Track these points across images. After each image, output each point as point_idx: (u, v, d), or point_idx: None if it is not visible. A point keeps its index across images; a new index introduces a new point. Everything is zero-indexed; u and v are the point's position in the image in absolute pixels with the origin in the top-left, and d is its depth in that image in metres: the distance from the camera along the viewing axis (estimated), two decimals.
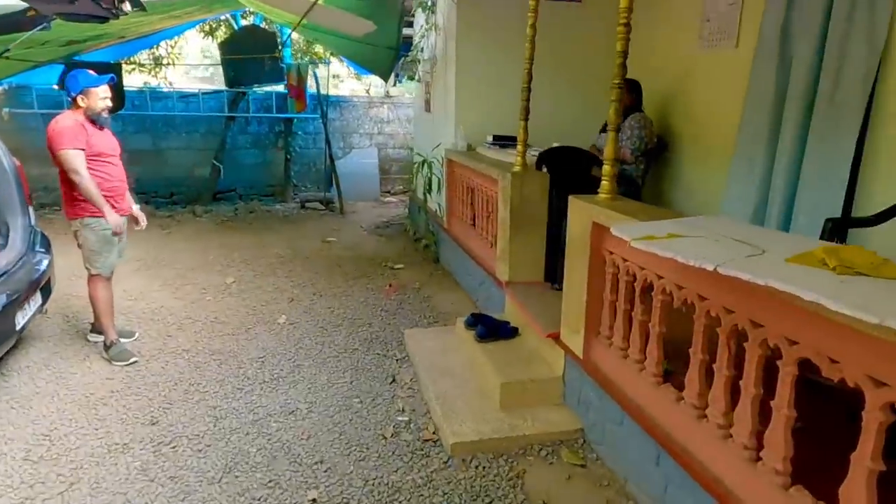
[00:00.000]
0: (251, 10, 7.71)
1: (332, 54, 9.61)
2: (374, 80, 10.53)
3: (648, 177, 4.62)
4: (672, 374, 2.28)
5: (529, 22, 3.57)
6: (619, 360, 2.53)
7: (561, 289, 3.68)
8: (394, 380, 3.48)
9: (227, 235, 6.95)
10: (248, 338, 4.07)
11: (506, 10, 5.11)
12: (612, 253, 2.56)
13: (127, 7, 2.96)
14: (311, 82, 8.39)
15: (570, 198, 2.80)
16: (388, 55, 6.31)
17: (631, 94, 4.43)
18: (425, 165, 5.87)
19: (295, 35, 8.35)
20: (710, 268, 1.54)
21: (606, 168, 2.65)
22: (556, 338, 3.01)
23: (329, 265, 5.80)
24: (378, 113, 9.80)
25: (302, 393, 3.33)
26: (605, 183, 2.65)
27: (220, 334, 4.12)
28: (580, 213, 2.70)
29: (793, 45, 3.43)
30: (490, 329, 3.43)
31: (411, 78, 6.61)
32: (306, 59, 9.44)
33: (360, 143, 9.79)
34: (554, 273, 3.73)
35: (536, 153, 4.21)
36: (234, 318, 4.42)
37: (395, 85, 9.82)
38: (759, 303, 1.70)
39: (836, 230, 2.69)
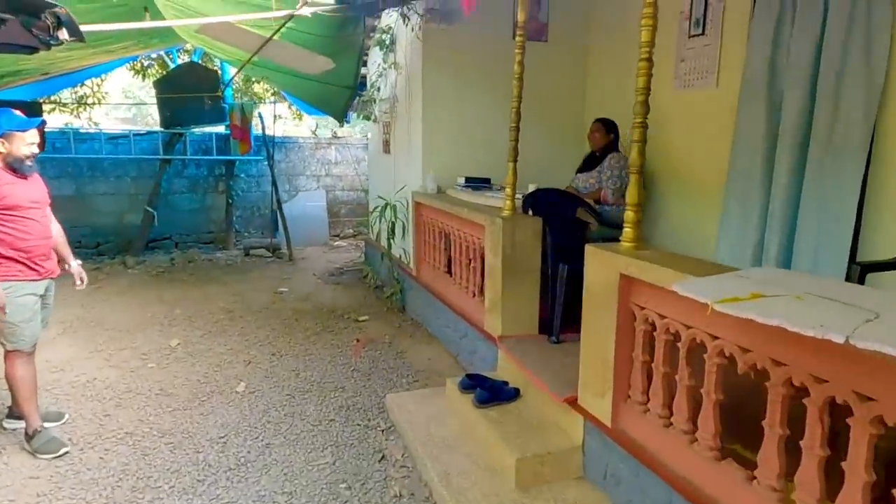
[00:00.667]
0: (192, 46, 7.25)
1: (274, 93, 9.21)
2: (322, 121, 10.20)
3: None
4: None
5: (517, 59, 3.36)
6: (660, 429, 2.24)
7: (559, 342, 3.41)
8: (383, 456, 3.04)
9: (165, 288, 6.29)
10: (203, 412, 3.52)
11: (472, 48, 4.94)
12: (643, 308, 2.29)
13: (64, 35, 2.51)
14: (255, 123, 7.93)
15: (590, 248, 2.53)
16: (344, 94, 6.00)
17: (609, 133, 4.32)
18: (388, 209, 5.52)
19: (234, 72, 7.92)
20: (839, 340, 1.28)
21: (629, 214, 2.41)
22: (573, 402, 2.69)
23: (286, 320, 5.29)
24: (325, 154, 9.42)
25: (277, 481, 2.83)
26: (628, 230, 2.41)
27: (170, 409, 3.54)
28: (603, 263, 2.43)
29: (782, 84, 3.38)
30: (490, 392, 3.08)
31: (367, 118, 6.31)
32: (246, 98, 8.99)
33: (307, 185, 9.34)
34: (550, 325, 3.44)
35: (520, 196, 3.97)
36: (185, 388, 3.84)
37: (342, 125, 9.49)
38: (869, 372, 1.46)
39: (864, 274, 2.55)
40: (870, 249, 3.03)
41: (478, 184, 4.75)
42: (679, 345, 2.12)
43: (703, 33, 3.99)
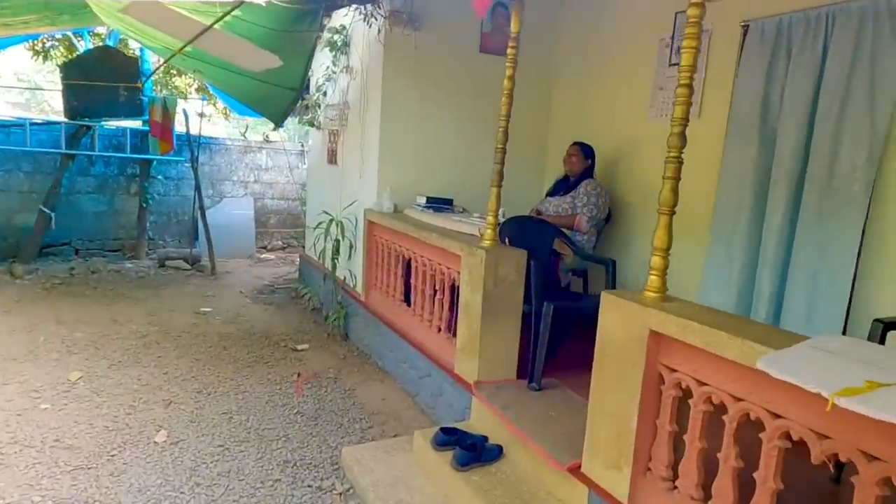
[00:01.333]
0: (107, 28, 6.40)
1: (199, 88, 8.41)
2: (254, 123, 9.49)
3: (596, 250, 4.24)
4: None
5: (507, 73, 3.02)
6: None
7: (539, 388, 3.08)
8: None
9: (62, 305, 5.40)
10: (113, 471, 2.87)
11: (437, 58, 4.57)
12: (674, 370, 1.99)
13: None
14: (178, 120, 7.14)
15: (608, 296, 2.21)
16: (287, 97, 5.44)
17: (587, 159, 4.08)
18: (334, 225, 5.01)
19: (155, 62, 7.11)
20: None
21: (658, 260, 2.11)
22: (575, 470, 2.34)
23: (212, 347, 4.63)
24: (255, 159, 8.69)
25: None
26: (654, 278, 2.10)
27: (69, 468, 2.87)
28: (627, 316, 2.11)
29: (775, 121, 3.25)
30: (471, 452, 2.67)
31: (310, 124, 5.77)
32: (167, 92, 8.13)
33: (234, 191, 8.57)
34: (531, 370, 3.10)
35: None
36: (88, 437, 3.16)
37: (275, 129, 8.81)
38: None
39: (885, 333, 2.39)
40: (866, 301, 2.92)
41: (439, 205, 4.37)
42: (725, 419, 1.82)
43: None
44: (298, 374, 4.19)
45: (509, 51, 2.99)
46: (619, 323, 2.14)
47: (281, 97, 5.38)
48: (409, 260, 4.02)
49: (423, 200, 4.37)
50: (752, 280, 3.31)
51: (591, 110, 4.68)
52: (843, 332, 2.90)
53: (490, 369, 3.10)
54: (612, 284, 3.38)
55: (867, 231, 2.89)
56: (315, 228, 5.11)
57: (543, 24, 4.95)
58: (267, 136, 8.84)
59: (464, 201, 4.53)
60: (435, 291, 3.66)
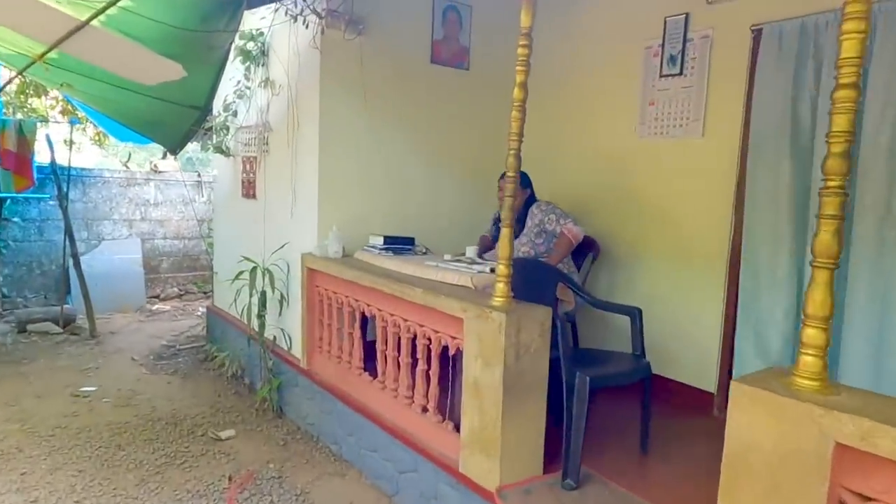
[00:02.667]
0: None
1: (64, 110, 6.99)
2: (138, 150, 8.15)
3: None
4: None
5: (518, 79, 2.33)
6: None
7: (577, 485, 2.36)
8: None
9: None
10: None
11: (385, 69, 3.80)
12: (872, 501, 1.35)
13: None
14: (39, 149, 5.76)
15: (739, 386, 1.54)
16: (188, 117, 4.39)
17: (525, 188, 3.47)
18: (259, 274, 4.03)
19: (11, 76, 5.71)
20: None
21: (814, 334, 1.48)
22: None
23: (102, 449, 3.47)
24: (141, 192, 7.35)
25: None
26: (812, 359, 1.47)
27: None
28: (781, 417, 1.45)
29: (808, 135, 2.82)
30: None
31: (219, 150, 4.74)
32: (21, 115, 6.66)
33: (115, 232, 7.16)
34: (564, 462, 2.38)
35: (483, 266, 2.90)
36: None
37: (164, 157, 7.54)
38: None
39: None
40: None
41: (399, 245, 3.57)
42: None
43: (680, 73, 3.36)
44: (230, 478, 3.18)
45: (521, 51, 2.30)
46: (767, 428, 1.48)
47: (180, 118, 4.33)
48: (369, 317, 3.18)
49: (378, 241, 3.55)
50: (797, 324, 2.82)
51: (568, 128, 4.11)
52: None
53: (514, 468, 2.34)
54: (640, 339, 2.75)
55: None
56: (234, 280, 4.09)
57: (500, 30, 4.35)
58: (155, 166, 7.52)
59: (423, 240, 3.77)
60: (415, 361, 2.85)
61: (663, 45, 3.45)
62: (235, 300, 4.10)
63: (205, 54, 3.55)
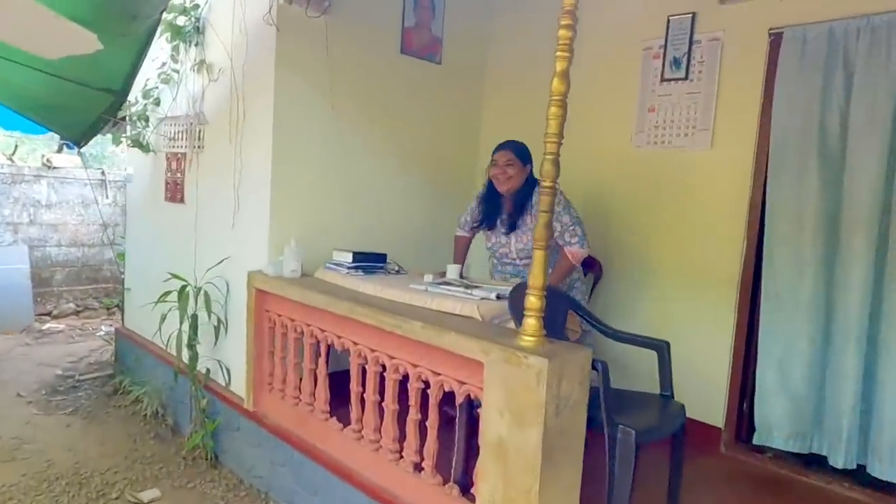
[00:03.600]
0: None
1: None
2: (30, 140, 7.02)
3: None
4: None
5: (559, 67, 1.87)
6: None
7: None
8: None
9: None
10: None
11: (351, 57, 3.27)
12: None
13: None
14: None
15: None
16: (99, 103, 3.65)
17: (526, 165, 2.97)
18: (192, 295, 3.34)
19: None
20: None
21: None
22: None
23: None
24: (30, 192, 6.24)
25: None
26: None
27: None
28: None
29: (838, 148, 2.59)
30: None
31: (137, 144, 3.96)
32: None
33: None
34: None
35: (486, 292, 2.43)
36: None
37: (60, 151, 6.48)
38: None
39: None
40: None
41: (370, 263, 3.03)
42: None
43: (686, 77, 3.08)
44: None
45: (563, 33, 1.85)
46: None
47: (89, 103, 3.57)
48: (338, 350, 2.62)
49: (346, 258, 2.99)
50: (826, 358, 2.59)
51: (524, 122, 3.72)
52: None
53: None
54: (669, 376, 2.39)
55: None
56: (158, 301, 3.37)
57: (475, 20, 3.92)
58: (49, 160, 6.43)
59: (393, 255, 3.25)
60: (406, 408, 2.33)
61: (665, 47, 3.15)
62: (160, 326, 3.37)
63: (126, 24, 2.89)
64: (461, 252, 3.29)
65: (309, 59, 3.10)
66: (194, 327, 3.37)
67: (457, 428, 2.22)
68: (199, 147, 3.63)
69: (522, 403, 1.85)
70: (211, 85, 3.47)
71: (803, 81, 2.65)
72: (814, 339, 2.60)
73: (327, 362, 2.81)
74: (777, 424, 2.70)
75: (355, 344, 2.55)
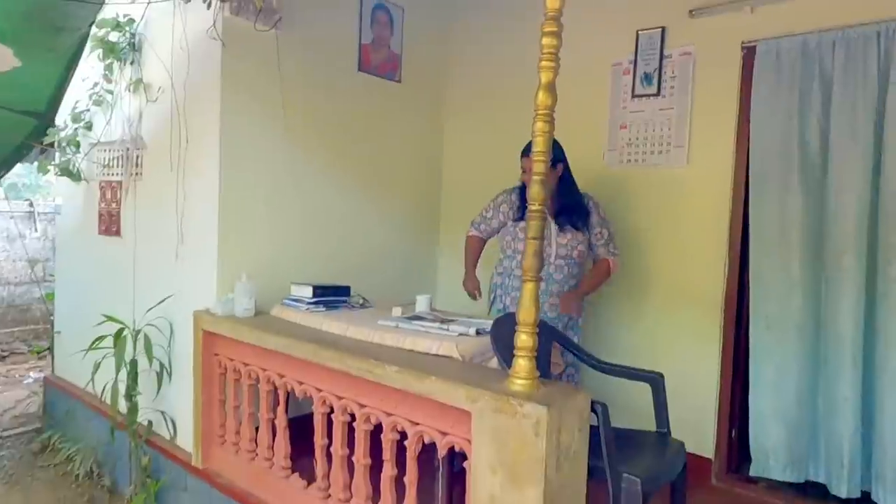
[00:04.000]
0: None
1: None
2: None
3: None
4: None
5: (544, 78, 1.69)
6: None
7: None
8: None
9: None
10: None
11: (305, 74, 3.03)
12: None
13: None
14: None
15: None
16: (20, 128, 3.27)
17: (556, 164, 2.66)
18: (130, 339, 2.98)
19: None
20: None
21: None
22: None
23: None
24: None
25: None
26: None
27: None
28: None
29: (819, 166, 2.51)
30: None
31: (66, 173, 3.58)
32: None
33: None
34: None
35: (464, 328, 2.21)
36: None
37: None
38: None
39: None
40: None
41: (332, 297, 2.77)
42: None
43: (658, 93, 2.98)
44: None
45: (547, 41, 1.67)
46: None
47: (9, 128, 3.19)
48: (299, 397, 2.33)
49: (305, 292, 2.71)
50: (821, 380, 2.47)
51: (511, 156, 3.57)
52: None
53: None
54: (665, 412, 2.21)
55: None
56: (92, 347, 2.99)
57: (434, 38, 3.75)
58: None
59: (355, 287, 2.99)
60: (378, 462, 2.06)
61: (635, 62, 3.05)
62: (94, 375, 2.99)
63: (50, 37, 2.58)
64: (475, 253, 2.96)
65: (259, 77, 2.85)
66: (133, 375, 3.01)
67: (437, 486, 1.96)
68: (136, 174, 3.30)
69: (518, 458, 1.62)
70: (149, 106, 3.16)
71: (780, 96, 2.58)
72: (807, 362, 2.48)
73: (286, 410, 2.51)
74: (774, 454, 2.56)
75: (319, 390, 2.27)
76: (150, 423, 3.07)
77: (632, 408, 2.62)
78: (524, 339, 1.69)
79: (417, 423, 1.94)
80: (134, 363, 3.01)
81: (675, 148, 2.93)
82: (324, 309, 2.68)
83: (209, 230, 2.79)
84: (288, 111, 2.95)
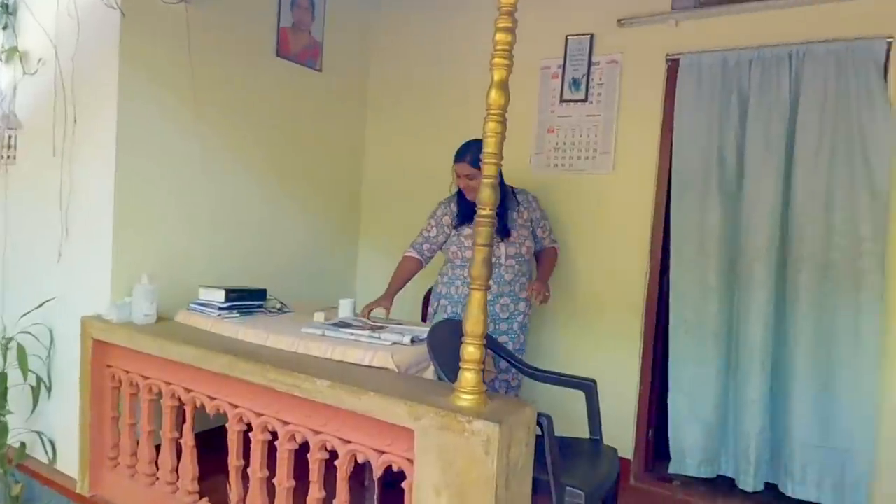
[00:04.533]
0: None
1: None
2: None
3: None
4: None
5: (497, 76, 1.60)
6: None
7: None
8: None
9: None
10: None
11: (216, 57, 2.75)
12: None
13: None
14: None
15: None
16: None
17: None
18: (1, 350, 2.57)
19: None
20: None
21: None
22: None
23: None
24: None
25: None
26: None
27: None
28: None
29: (735, 175, 2.63)
30: None
31: None
32: None
33: None
34: None
35: (398, 336, 2.09)
36: None
37: None
38: None
39: None
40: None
41: (247, 301, 2.53)
42: None
43: (585, 99, 3.00)
44: None
45: (501, 37, 1.59)
46: None
47: None
48: (210, 413, 2.10)
49: (216, 296, 2.45)
50: (733, 383, 2.59)
51: (440, 157, 3.46)
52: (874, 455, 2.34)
53: None
54: (598, 419, 2.21)
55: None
56: None
57: (356, 27, 3.57)
58: None
59: (268, 289, 2.77)
60: (303, 484, 1.89)
61: (564, 67, 3.05)
62: None
63: None
64: (406, 277, 2.67)
65: (166, 56, 2.54)
66: (2, 391, 2.59)
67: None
68: (9, 157, 2.85)
69: (466, 478, 1.52)
70: (27, 79, 2.74)
71: (701, 109, 2.67)
72: (721, 365, 2.60)
73: (193, 427, 2.25)
74: (690, 452, 2.66)
75: (235, 406, 2.05)
76: (22, 445, 2.67)
77: (556, 413, 2.61)
78: (471, 351, 1.59)
79: (349, 442, 1.79)
80: (3, 377, 2.59)
81: (602, 154, 2.96)
82: (238, 315, 2.44)
83: (102, 225, 2.45)
84: (199, 96, 2.66)
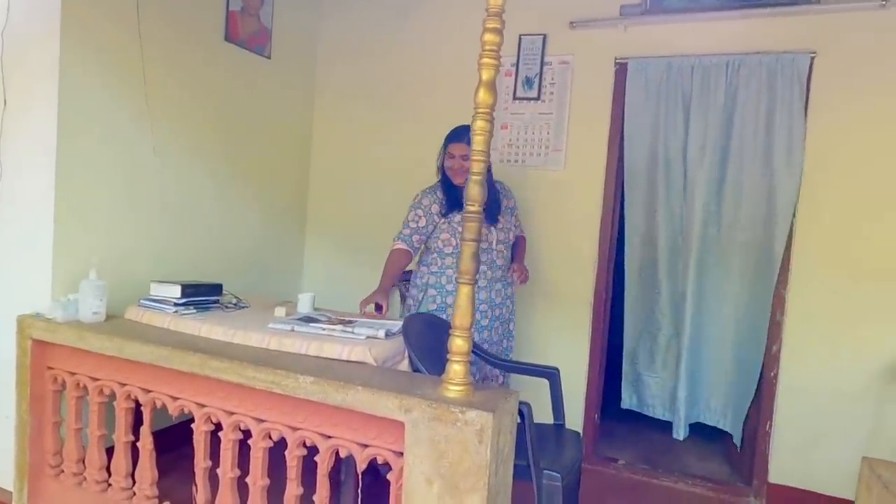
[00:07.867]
0: None
1: None
2: None
3: None
4: None
5: (486, 75, 1.64)
6: None
7: None
8: None
9: None
10: None
11: (162, 38, 2.60)
12: None
13: None
14: None
15: None
16: None
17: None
18: None
19: None
20: None
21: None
22: None
23: None
24: None
25: None
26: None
27: None
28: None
29: (679, 172, 2.83)
30: None
31: None
32: None
33: None
34: None
35: (373, 330, 2.09)
36: None
37: None
38: None
39: None
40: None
41: (203, 297, 2.43)
42: None
43: (538, 98, 3.11)
44: None
45: (489, 37, 1.63)
46: None
47: None
48: (173, 414, 2.02)
49: (171, 292, 2.34)
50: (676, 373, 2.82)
51: (396, 150, 3.46)
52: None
53: None
54: (561, 404, 2.32)
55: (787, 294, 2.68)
56: None
57: (306, 15, 3.49)
58: None
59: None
60: (279, 482, 1.86)
61: (517, 66, 3.14)
62: None
63: None
64: (399, 269, 2.54)
65: (112, 33, 2.38)
66: None
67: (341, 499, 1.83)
68: None
69: (459, 467, 1.56)
70: None
71: (648, 111, 2.85)
72: (664, 358, 2.82)
73: (151, 429, 2.15)
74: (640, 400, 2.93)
75: (202, 406, 1.97)
76: None
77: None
78: (460, 343, 1.63)
79: (330, 437, 1.79)
80: None
81: (554, 152, 3.08)
82: (195, 311, 2.34)
83: (41, 217, 2.27)
84: (150, 79, 2.51)
